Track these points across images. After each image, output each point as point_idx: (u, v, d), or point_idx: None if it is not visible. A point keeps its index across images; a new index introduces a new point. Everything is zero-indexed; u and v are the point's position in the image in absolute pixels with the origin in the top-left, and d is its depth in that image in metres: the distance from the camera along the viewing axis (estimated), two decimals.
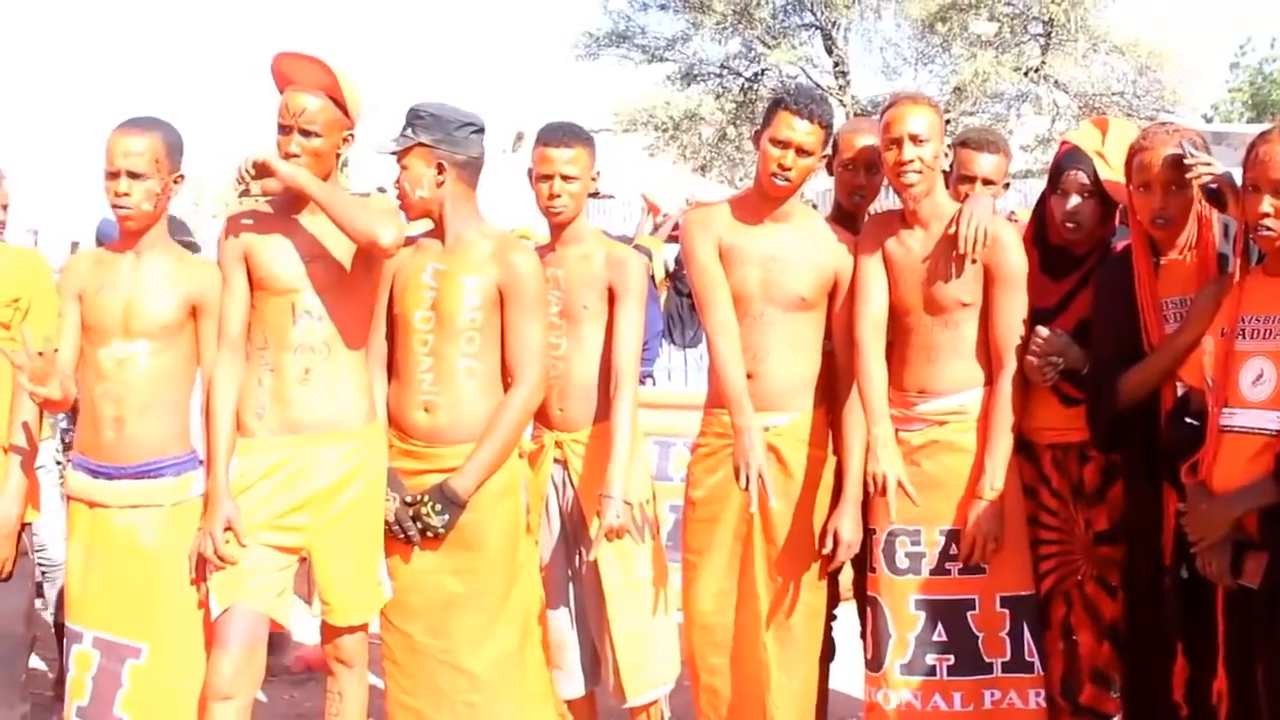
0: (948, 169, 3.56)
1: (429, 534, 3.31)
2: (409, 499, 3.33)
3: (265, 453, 3.25)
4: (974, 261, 3.32)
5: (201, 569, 3.21)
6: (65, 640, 3.31)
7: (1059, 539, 3.43)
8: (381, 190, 4.09)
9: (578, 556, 3.52)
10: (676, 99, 21.67)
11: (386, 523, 3.33)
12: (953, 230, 3.33)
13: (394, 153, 3.36)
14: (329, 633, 3.36)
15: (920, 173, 3.30)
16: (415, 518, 3.31)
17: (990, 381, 3.36)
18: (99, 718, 3.22)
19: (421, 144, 3.34)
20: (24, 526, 3.30)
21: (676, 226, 8.98)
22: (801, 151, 3.38)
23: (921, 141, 3.28)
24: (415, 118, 3.35)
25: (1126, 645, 3.29)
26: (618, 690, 3.48)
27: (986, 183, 3.61)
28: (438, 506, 3.29)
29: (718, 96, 21.39)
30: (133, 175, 3.15)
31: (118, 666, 3.21)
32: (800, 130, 3.36)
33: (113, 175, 3.17)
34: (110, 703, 3.21)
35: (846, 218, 3.74)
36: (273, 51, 3.27)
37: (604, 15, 21.18)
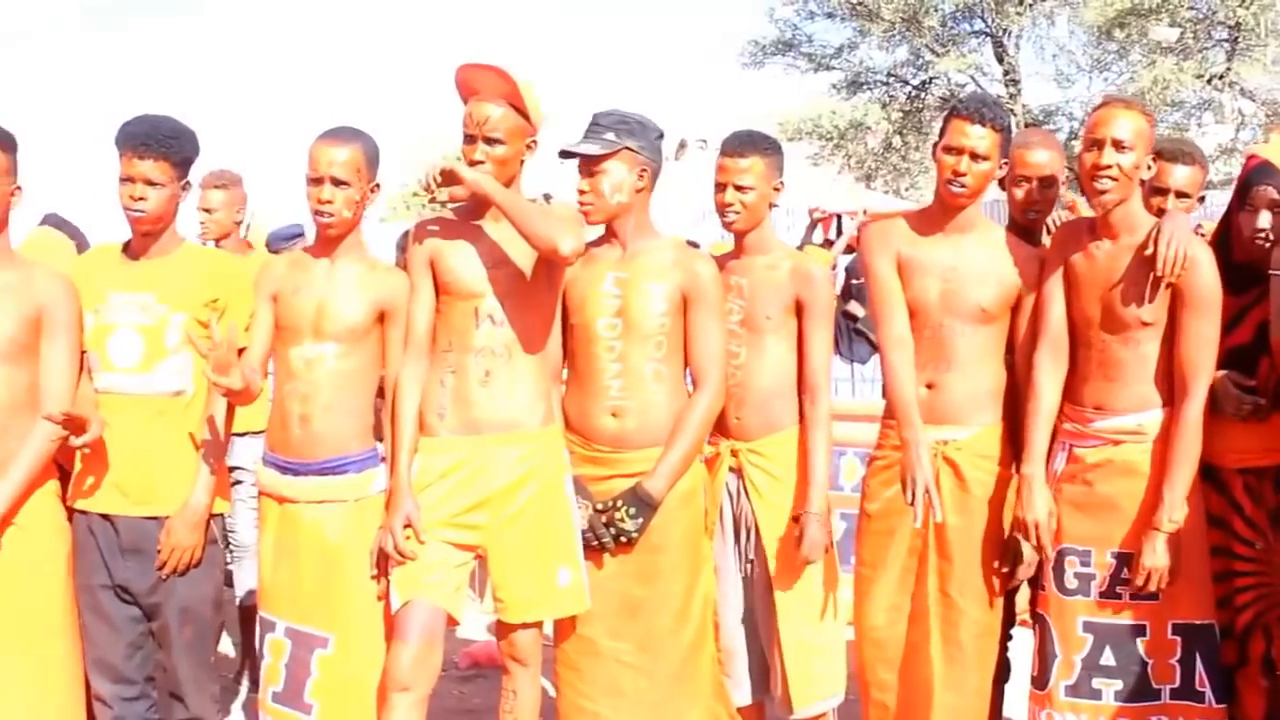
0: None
1: (622, 539, 3.35)
2: (600, 506, 3.36)
3: (446, 452, 3.32)
4: (1168, 286, 3.19)
5: (382, 564, 3.30)
6: (259, 629, 3.44)
7: (1257, 570, 3.28)
8: (548, 196, 4.14)
9: (750, 565, 3.52)
10: (842, 108, 21.46)
11: (582, 531, 3.37)
12: (1149, 251, 3.19)
13: (597, 155, 3.36)
14: (503, 630, 3.41)
15: (1116, 180, 3.19)
16: (608, 523, 3.35)
17: (1170, 402, 3.23)
18: (291, 703, 3.35)
19: (628, 148, 3.38)
20: (214, 517, 3.42)
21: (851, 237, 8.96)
22: (976, 157, 3.33)
23: (1124, 148, 3.17)
24: (619, 123, 3.38)
25: None
26: (785, 700, 3.46)
27: (1180, 195, 3.49)
28: (631, 510, 3.33)
29: (884, 105, 21.09)
30: (336, 183, 3.27)
31: (307, 655, 3.32)
32: (973, 135, 3.32)
33: (316, 182, 3.28)
34: (301, 689, 3.33)
35: (1022, 233, 3.64)
36: (442, 59, 3.35)
37: (770, 24, 21.06)
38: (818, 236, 8.82)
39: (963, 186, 3.35)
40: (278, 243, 6.09)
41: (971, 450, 3.41)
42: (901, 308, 3.44)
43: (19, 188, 3.29)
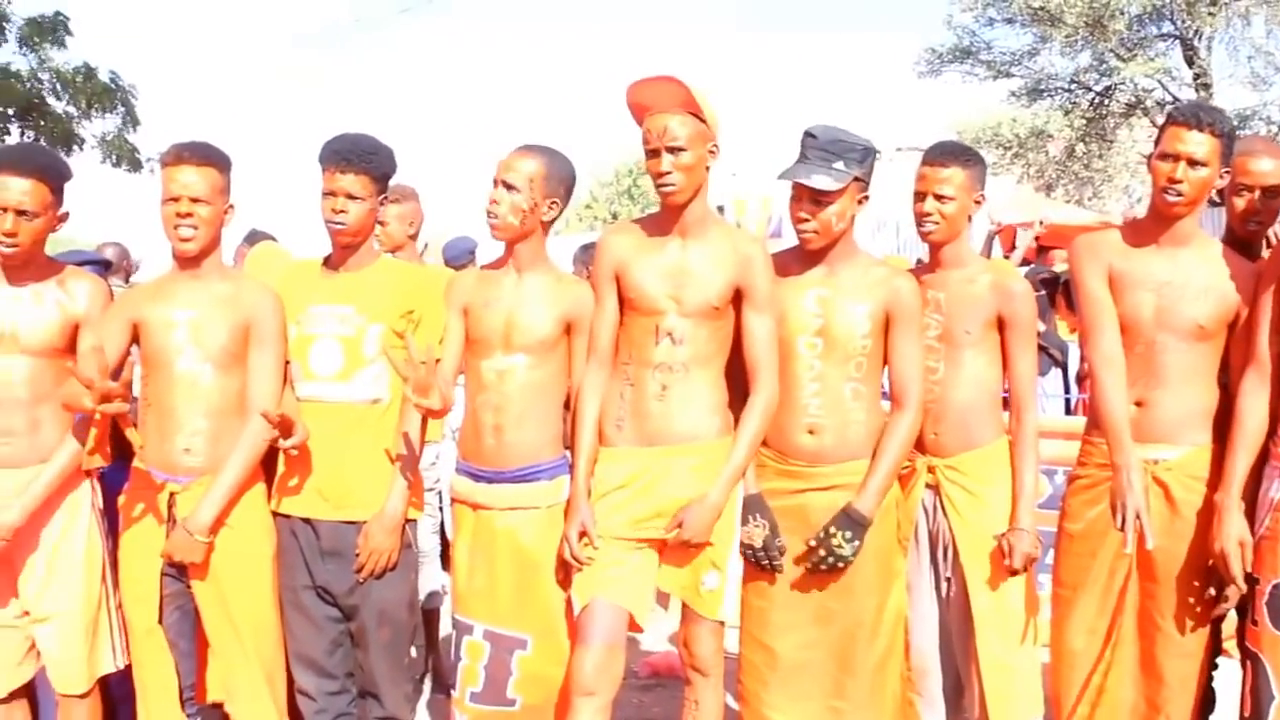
0: None
1: (840, 564, 3.32)
2: (818, 535, 3.32)
3: (623, 462, 3.35)
4: None
5: (562, 570, 3.36)
6: (455, 632, 3.53)
7: None
8: (720, 209, 4.12)
9: (946, 583, 3.45)
10: (1022, 115, 20.95)
11: (750, 546, 3.36)
12: None
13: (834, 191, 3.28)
14: (685, 640, 3.40)
15: None
16: (827, 552, 3.31)
17: None
18: (494, 700, 3.44)
19: (858, 178, 3.33)
20: (408, 523, 3.52)
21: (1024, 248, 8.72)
22: (1194, 163, 3.21)
23: None
24: (848, 150, 3.29)
25: None
26: None
27: None
28: (847, 534, 3.30)
29: (1066, 112, 20.50)
30: (507, 187, 3.34)
31: (507, 656, 3.41)
32: (1190, 141, 3.20)
33: (494, 185, 3.37)
34: (504, 687, 3.42)
35: (1241, 246, 3.48)
36: (614, 81, 3.35)
37: (948, 31, 20.68)
38: (996, 250, 8.63)
39: (1179, 195, 3.23)
40: (455, 258, 6.25)
41: (1182, 471, 3.28)
42: (1113, 323, 3.33)
43: (232, 206, 3.46)
